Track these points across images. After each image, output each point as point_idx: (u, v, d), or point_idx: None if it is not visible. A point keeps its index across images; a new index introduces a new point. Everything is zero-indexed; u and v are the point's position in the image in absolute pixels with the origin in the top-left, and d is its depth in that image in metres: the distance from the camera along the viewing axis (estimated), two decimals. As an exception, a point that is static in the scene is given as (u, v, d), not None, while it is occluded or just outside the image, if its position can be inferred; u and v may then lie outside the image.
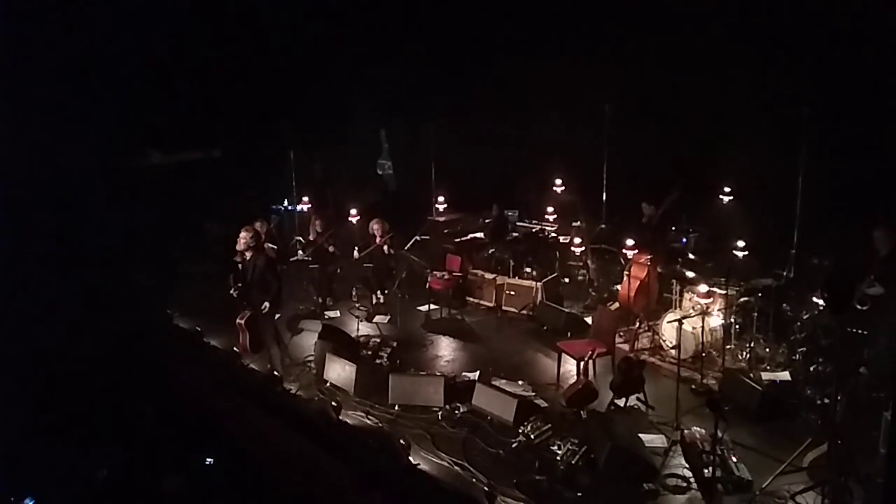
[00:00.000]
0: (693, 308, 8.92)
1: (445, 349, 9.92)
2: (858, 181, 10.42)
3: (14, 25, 12.46)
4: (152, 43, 14.28)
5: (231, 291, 8.73)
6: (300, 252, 11.49)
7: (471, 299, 11.37)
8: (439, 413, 7.96)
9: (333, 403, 8.19)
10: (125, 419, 9.00)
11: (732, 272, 8.73)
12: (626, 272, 10.19)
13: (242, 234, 8.66)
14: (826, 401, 7.40)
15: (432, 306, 10.85)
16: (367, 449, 7.40)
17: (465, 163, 14.96)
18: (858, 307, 7.59)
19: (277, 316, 9.05)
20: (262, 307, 8.68)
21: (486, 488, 6.56)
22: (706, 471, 6.51)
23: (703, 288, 8.70)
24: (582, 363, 8.32)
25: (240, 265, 8.80)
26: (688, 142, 12.37)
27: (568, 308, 10.47)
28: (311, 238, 11.54)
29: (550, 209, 12.38)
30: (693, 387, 8.29)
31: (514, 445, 7.32)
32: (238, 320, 8.96)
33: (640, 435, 7.33)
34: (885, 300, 7.64)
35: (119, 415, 9.07)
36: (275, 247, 11.17)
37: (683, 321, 8.22)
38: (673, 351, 8.74)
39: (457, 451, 7.29)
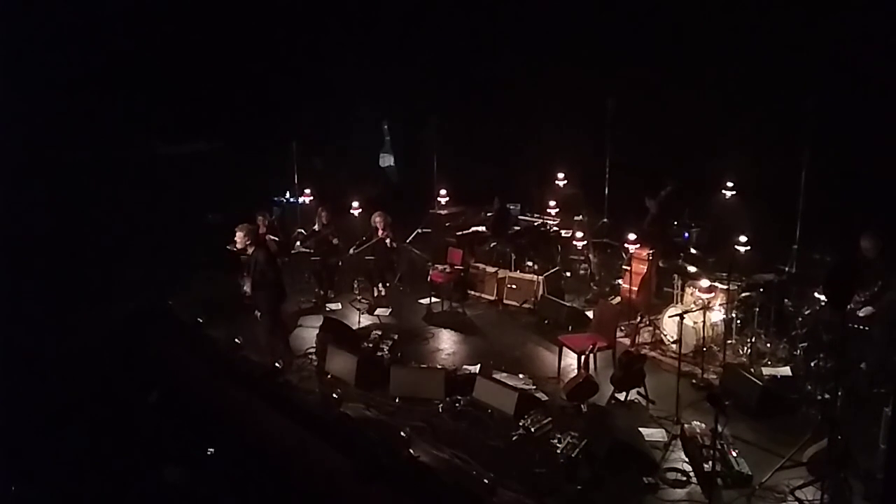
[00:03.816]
0: (694, 303, 8.91)
1: (446, 342, 9.93)
2: (861, 176, 10.42)
3: (19, 19, 12.47)
4: (158, 37, 14.30)
5: (245, 289, 8.86)
6: (298, 244, 11.52)
7: (472, 293, 11.36)
8: (440, 406, 7.98)
9: (334, 395, 8.21)
10: (126, 410, 9.02)
11: (734, 267, 8.72)
12: (625, 266, 10.20)
13: (238, 235, 8.75)
14: (826, 396, 7.41)
15: (433, 299, 10.87)
16: (368, 441, 7.41)
17: (467, 156, 14.94)
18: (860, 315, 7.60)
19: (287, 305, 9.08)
20: (256, 296, 8.79)
21: (486, 481, 6.59)
22: (706, 465, 6.53)
23: (704, 283, 8.70)
24: (583, 357, 8.33)
25: (242, 257, 8.87)
26: (690, 136, 12.34)
27: (569, 302, 10.46)
28: (315, 229, 11.54)
29: (552, 203, 12.37)
30: (694, 381, 8.29)
31: (514, 438, 7.33)
32: (257, 313, 9.09)
33: (641, 429, 7.34)
34: (883, 297, 7.65)
35: (120, 405, 9.08)
36: (276, 239, 11.19)
37: (685, 316, 8.22)
38: (674, 345, 8.75)
39: (457, 444, 7.29)
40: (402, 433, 7.38)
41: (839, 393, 6.71)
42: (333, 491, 7.37)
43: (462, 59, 15.18)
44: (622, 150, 12.70)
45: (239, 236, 8.74)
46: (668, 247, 10.32)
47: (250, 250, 8.75)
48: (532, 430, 7.35)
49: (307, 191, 12.92)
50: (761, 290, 8.94)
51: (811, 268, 9.27)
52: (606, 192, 12.84)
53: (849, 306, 7.06)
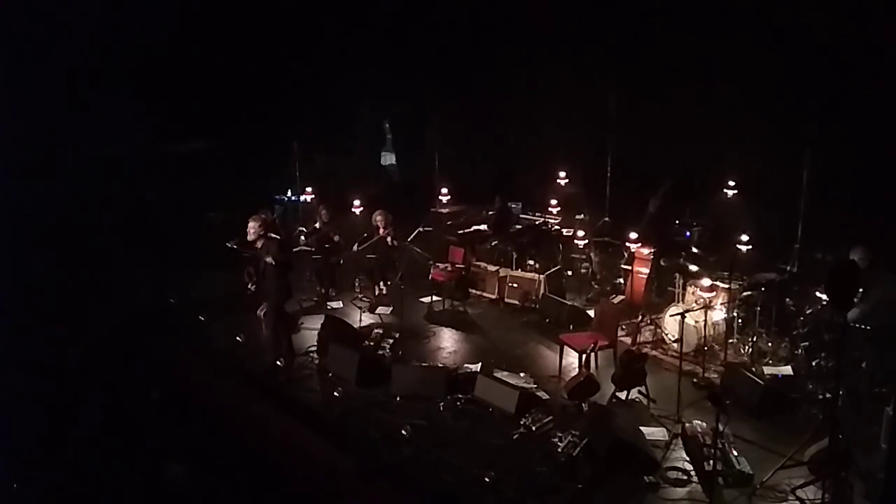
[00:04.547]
0: (696, 302, 8.92)
1: (448, 341, 9.93)
2: (863, 176, 10.39)
3: (21, 17, 12.47)
4: (159, 35, 14.30)
5: (248, 286, 8.84)
6: (302, 238, 11.52)
7: (473, 291, 11.37)
8: (441, 404, 7.97)
9: (335, 394, 8.21)
10: (127, 409, 9.02)
11: (736, 266, 8.72)
12: (625, 265, 10.20)
13: (251, 225, 8.68)
14: (828, 395, 7.40)
15: (435, 298, 10.88)
16: (369, 439, 7.42)
17: (468, 155, 14.91)
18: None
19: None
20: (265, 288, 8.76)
21: (487, 479, 6.59)
22: (707, 464, 6.53)
23: (706, 282, 8.70)
24: (584, 356, 8.33)
25: (244, 254, 8.86)
26: (691, 135, 12.33)
27: (570, 301, 10.47)
28: (316, 227, 11.54)
29: (554, 202, 12.37)
30: (695, 380, 8.30)
31: (515, 437, 7.33)
32: (259, 312, 9.04)
33: (642, 428, 7.35)
34: (884, 297, 7.64)
35: (121, 404, 9.09)
36: (278, 237, 11.17)
37: (686, 315, 8.22)
38: (675, 344, 8.76)
39: (458, 443, 7.30)
40: (403, 432, 7.39)
41: (840, 392, 6.71)
42: (334, 489, 7.37)
43: (462, 59, 15.15)
44: (623, 150, 12.69)
45: (252, 226, 8.69)
46: (668, 246, 10.32)
47: (259, 243, 8.74)
48: (533, 428, 7.37)
49: (308, 189, 12.93)
50: (763, 289, 8.93)
51: (813, 267, 9.24)
52: (608, 191, 12.83)
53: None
